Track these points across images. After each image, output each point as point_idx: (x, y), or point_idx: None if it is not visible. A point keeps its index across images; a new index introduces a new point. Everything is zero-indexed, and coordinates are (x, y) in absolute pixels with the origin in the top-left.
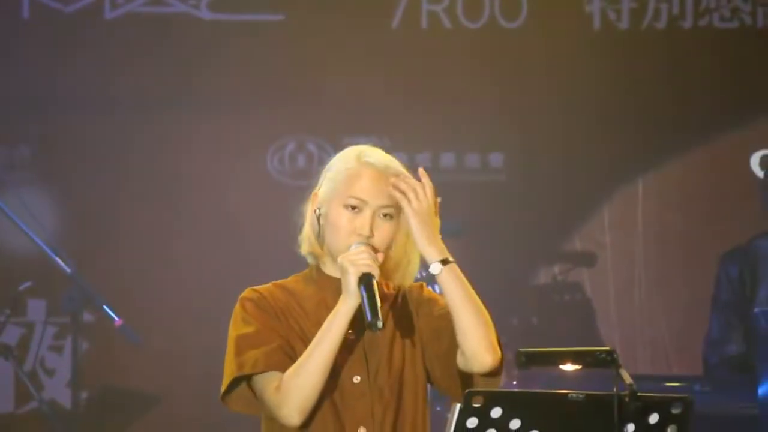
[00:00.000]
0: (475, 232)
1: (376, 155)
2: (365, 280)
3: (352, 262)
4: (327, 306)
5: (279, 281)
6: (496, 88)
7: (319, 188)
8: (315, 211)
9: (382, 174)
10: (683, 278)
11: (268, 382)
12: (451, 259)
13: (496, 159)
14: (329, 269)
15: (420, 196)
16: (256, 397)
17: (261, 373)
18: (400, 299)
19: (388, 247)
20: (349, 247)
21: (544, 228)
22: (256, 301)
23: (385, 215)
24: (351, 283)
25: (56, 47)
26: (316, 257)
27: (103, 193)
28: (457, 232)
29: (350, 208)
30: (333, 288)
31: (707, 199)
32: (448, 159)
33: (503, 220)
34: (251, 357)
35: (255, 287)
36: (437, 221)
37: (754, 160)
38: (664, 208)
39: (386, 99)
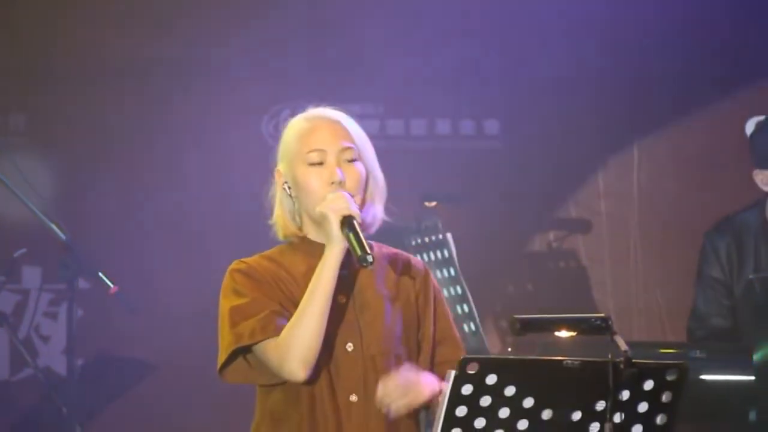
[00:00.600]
0: (470, 198)
1: (320, 109)
2: (347, 222)
3: (331, 208)
4: None
5: (265, 252)
6: (491, 55)
7: (279, 165)
8: (283, 185)
9: (332, 120)
10: (679, 245)
11: (266, 344)
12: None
13: (492, 125)
14: (314, 236)
15: (393, 391)
16: (252, 367)
17: (260, 342)
18: (400, 266)
19: (363, 190)
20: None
21: (540, 195)
22: (246, 272)
23: (349, 160)
24: (334, 229)
25: (48, 12)
26: (294, 236)
27: (99, 160)
28: (455, 199)
29: (315, 165)
30: (320, 254)
31: (703, 165)
32: (443, 125)
33: (498, 187)
34: (247, 327)
35: (242, 259)
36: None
37: (749, 126)
38: (660, 174)
39: (382, 66)
